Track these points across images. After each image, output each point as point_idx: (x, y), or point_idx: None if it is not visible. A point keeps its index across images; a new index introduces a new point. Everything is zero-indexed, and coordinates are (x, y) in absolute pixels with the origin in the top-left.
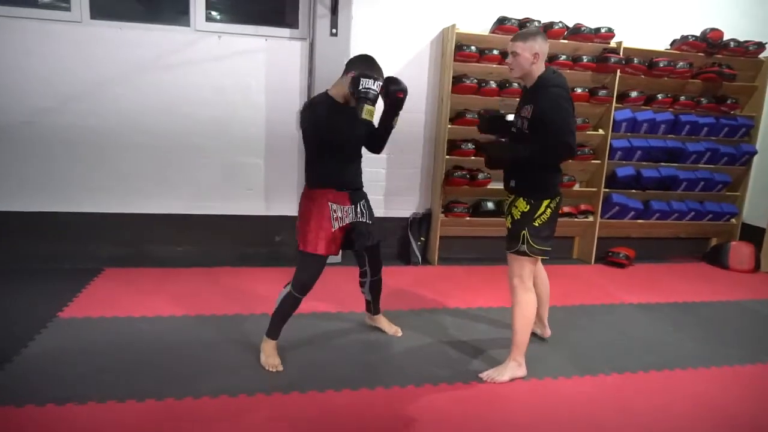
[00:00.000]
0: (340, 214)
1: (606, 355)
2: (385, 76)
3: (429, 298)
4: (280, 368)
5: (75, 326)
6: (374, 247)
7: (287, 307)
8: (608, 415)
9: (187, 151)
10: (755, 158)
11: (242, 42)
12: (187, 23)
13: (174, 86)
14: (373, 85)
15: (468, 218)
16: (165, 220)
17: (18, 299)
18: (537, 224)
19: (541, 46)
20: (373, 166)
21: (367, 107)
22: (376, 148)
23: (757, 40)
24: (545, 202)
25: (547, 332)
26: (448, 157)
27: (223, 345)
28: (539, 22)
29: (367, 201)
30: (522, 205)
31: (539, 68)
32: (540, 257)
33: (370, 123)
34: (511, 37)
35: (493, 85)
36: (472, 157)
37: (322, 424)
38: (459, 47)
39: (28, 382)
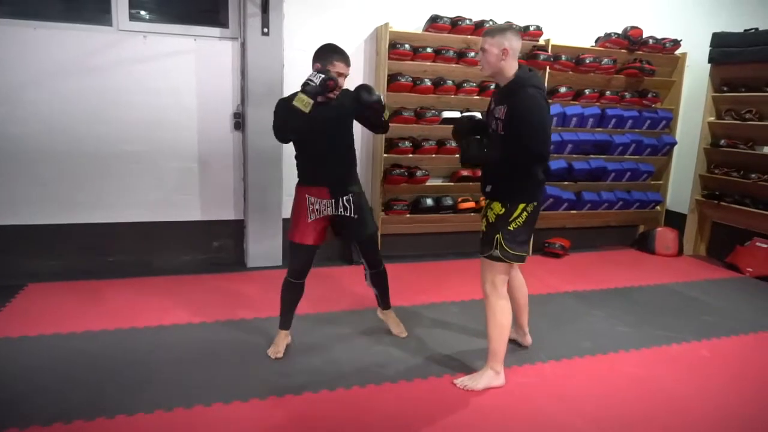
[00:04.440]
0: (317, 207)
1: (543, 343)
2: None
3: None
4: (280, 356)
5: None
6: (365, 241)
7: (288, 293)
8: (547, 402)
9: (114, 157)
10: (675, 148)
11: (170, 42)
12: (109, 23)
13: (97, 90)
14: (315, 79)
15: (408, 215)
16: (93, 230)
17: None
18: (512, 228)
19: (511, 42)
20: None
21: (299, 95)
22: (379, 130)
23: (673, 37)
24: (521, 206)
25: (528, 340)
26: (386, 155)
27: (155, 358)
28: (470, 20)
29: (356, 195)
30: (497, 208)
31: (511, 65)
32: (515, 263)
33: (350, 115)
34: (482, 33)
35: (428, 83)
36: (410, 155)
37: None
38: (393, 45)
39: None
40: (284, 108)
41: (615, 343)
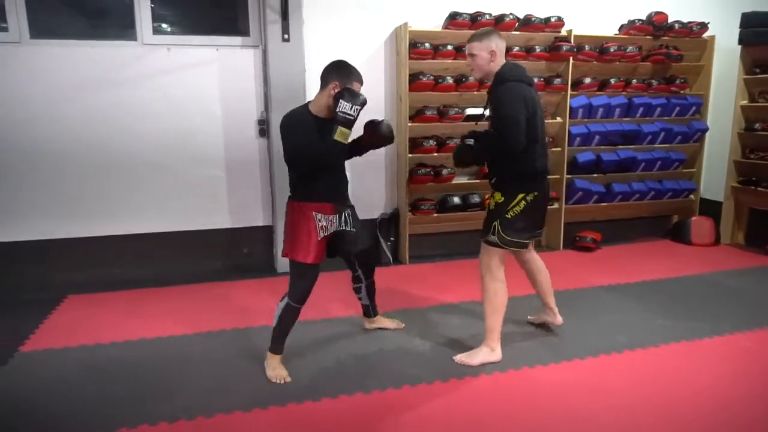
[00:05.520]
0: (325, 223)
1: (580, 339)
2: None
3: (403, 298)
4: (288, 379)
5: (38, 360)
6: (364, 252)
7: (287, 318)
8: (586, 399)
9: (145, 168)
10: (707, 134)
11: (193, 53)
12: (134, 37)
13: (125, 103)
14: (351, 110)
15: (435, 215)
16: (127, 241)
17: None
18: (509, 216)
19: (497, 43)
20: None
21: (341, 129)
22: (359, 155)
23: (700, 20)
24: (520, 195)
25: (558, 319)
26: (410, 155)
27: (195, 364)
28: (490, 15)
29: (352, 209)
30: (498, 197)
31: (498, 65)
32: (512, 248)
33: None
34: (467, 39)
35: (449, 80)
36: (435, 154)
37: None
38: (413, 45)
39: None
40: (307, 136)
41: (653, 337)
